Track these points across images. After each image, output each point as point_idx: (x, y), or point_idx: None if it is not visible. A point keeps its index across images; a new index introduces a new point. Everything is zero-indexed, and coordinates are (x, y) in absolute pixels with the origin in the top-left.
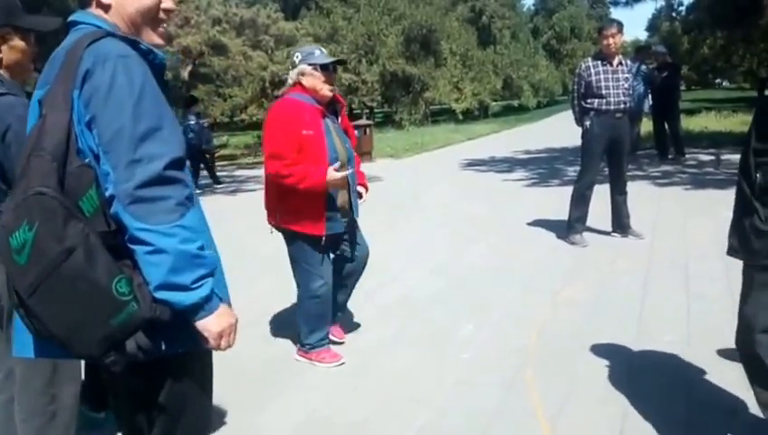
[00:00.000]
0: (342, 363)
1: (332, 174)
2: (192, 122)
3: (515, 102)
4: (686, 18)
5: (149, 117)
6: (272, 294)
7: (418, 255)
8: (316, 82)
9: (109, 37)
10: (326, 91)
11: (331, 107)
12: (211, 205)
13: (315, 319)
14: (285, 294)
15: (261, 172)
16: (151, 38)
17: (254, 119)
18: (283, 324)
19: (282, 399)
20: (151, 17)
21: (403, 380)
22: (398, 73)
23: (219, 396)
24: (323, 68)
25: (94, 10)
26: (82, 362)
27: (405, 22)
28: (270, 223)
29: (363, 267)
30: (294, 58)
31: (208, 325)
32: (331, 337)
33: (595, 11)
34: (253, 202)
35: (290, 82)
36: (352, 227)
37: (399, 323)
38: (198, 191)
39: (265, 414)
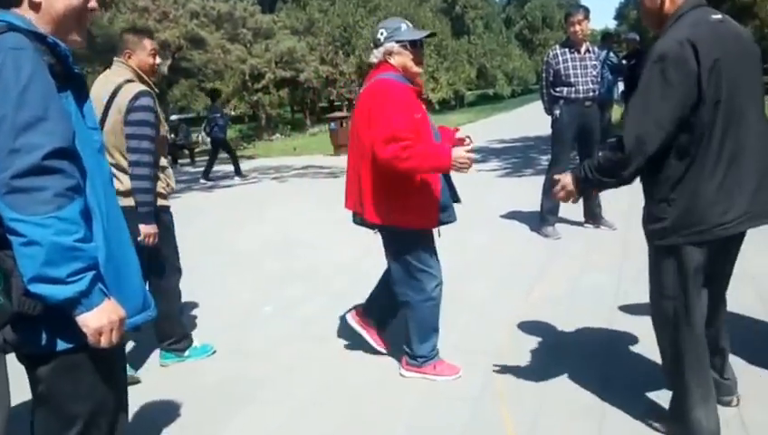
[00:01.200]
0: (460, 376)
1: (459, 151)
2: (218, 115)
3: (490, 91)
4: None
5: (34, 107)
6: (244, 292)
7: None
8: (406, 60)
9: (10, 32)
10: (417, 69)
11: None
12: (187, 201)
13: (429, 325)
14: (259, 294)
15: (242, 166)
16: (74, 36)
17: (237, 112)
18: (255, 328)
19: (244, 415)
20: (77, 16)
21: (369, 394)
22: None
23: (178, 411)
24: (412, 45)
25: (21, 9)
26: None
27: (380, 13)
28: (371, 221)
29: None
30: (379, 35)
31: (87, 321)
32: (377, 347)
33: (566, 0)
34: (230, 198)
35: (374, 61)
36: None
37: None
38: (210, 183)
39: (228, 432)
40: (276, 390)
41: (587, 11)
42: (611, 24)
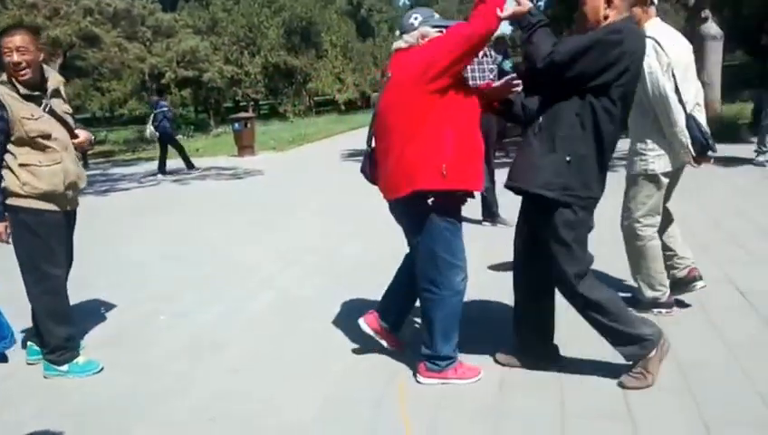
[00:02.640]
0: (480, 378)
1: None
2: (165, 109)
3: None
4: (544, 12)
5: None
6: (138, 301)
7: (296, 254)
8: None
9: None
10: None
11: None
12: (82, 204)
13: (454, 322)
14: (153, 303)
15: (137, 170)
16: None
17: (135, 113)
18: (149, 339)
19: (139, 433)
20: None
21: (268, 404)
22: (281, 65)
23: (65, 432)
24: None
25: None
26: None
27: (285, 14)
28: (426, 188)
29: None
30: (412, 20)
31: None
32: (389, 347)
33: (465, 6)
34: (126, 201)
35: (403, 44)
36: None
37: (269, 334)
38: (164, 178)
39: None
40: (171, 404)
41: None
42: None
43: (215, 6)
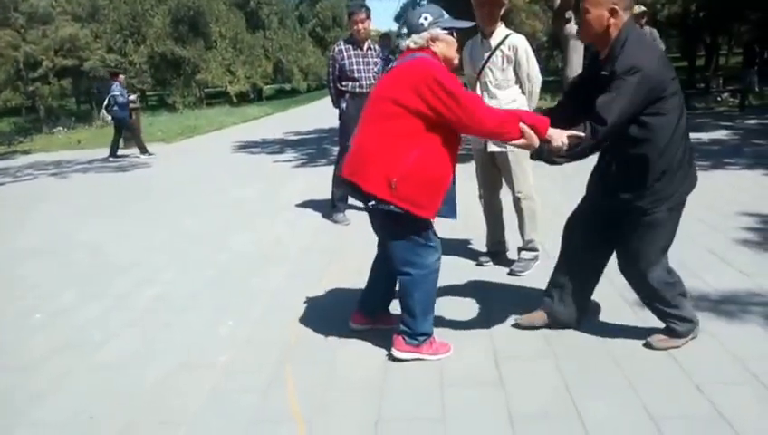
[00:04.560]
0: (450, 354)
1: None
2: (117, 93)
3: (287, 86)
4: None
5: None
6: (10, 299)
7: (181, 247)
8: (451, 47)
9: None
10: (457, 61)
11: None
12: None
13: (431, 299)
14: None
15: (12, 163)
16: None
17: (11, 104)
18: (24, 338)
19: None
20: None
21: (150, 398)
22: (168, 55)
23: None
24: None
25: None
26: None
27: (171, 2)
28: (371, 193)
29: None
30: (422, 20)
31: None
32: (382, 326)
33: (353, 1)
34: (0, 198)
35: (412, 45)
36: None
37: (151, 329)
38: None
39: None
40: (49, 404)
41: (368, 11)
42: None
43: None
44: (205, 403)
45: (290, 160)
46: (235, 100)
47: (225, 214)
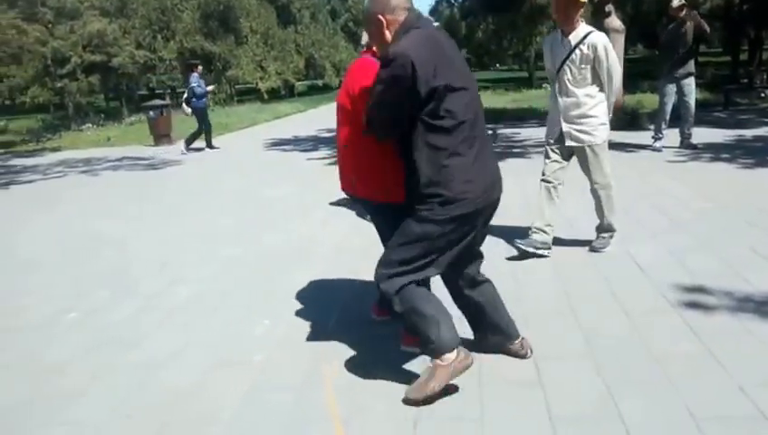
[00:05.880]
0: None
1: None
2: (195, 85)
3: (320, 82)
4: (462, 4)
5: None
6: (46, 298)
7: (213, 246)
8: None
9: None
10: None
11: None
12: None
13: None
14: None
15: (42, 160)
16: None
17: (38, 101)
18: (58, 338)
19: None
20: None
21: (187, 397)
22: (198, 51)
23: None
24: None
25: None
26: None
27: None
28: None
29: None
30: None
31: None
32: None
33: None
34: (30, 194)
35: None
36: None
37: (185, 328)
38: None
39: None
40: (86, 402)
41: None
42: None
43: None
44: (241, 403)
45: (323, 158)
46: (266, 96)
47: (257, 213)
